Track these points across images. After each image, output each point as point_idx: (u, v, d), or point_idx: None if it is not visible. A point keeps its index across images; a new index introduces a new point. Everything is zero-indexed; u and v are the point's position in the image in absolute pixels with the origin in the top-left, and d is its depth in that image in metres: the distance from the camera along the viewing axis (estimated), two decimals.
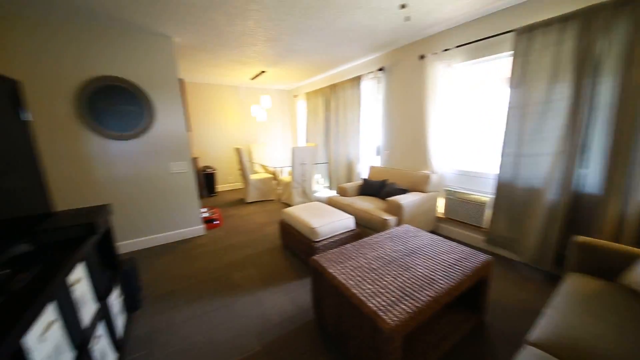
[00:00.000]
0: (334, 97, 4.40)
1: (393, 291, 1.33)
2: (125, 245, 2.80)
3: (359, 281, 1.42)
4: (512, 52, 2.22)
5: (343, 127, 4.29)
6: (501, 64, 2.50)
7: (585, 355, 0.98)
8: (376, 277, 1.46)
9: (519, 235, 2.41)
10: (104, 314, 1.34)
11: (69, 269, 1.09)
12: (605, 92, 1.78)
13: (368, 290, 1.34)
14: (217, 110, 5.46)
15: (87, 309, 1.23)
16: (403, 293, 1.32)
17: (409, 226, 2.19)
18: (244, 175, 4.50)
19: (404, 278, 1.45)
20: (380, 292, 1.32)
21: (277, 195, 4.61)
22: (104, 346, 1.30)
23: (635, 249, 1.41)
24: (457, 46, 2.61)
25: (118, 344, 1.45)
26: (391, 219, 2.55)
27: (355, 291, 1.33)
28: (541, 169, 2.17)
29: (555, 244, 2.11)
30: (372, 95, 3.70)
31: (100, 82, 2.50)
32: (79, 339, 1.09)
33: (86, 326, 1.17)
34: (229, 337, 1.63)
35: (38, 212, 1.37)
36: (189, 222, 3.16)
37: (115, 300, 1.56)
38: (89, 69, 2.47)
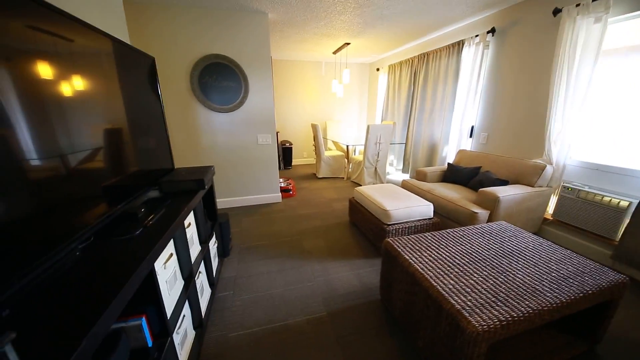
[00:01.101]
0: (424, 69, 3.92)
1: (482, 292, 1.16)
2: (220, 202, 3.31)
3: (439, 274, 1.28)
4: None
5: (431, 103, 3.83)
6: None
7: None
8: (460, 273, 1.29)
9: None
10: (204, 255, 1.62)
11: (185, 214, 1.32)
12: None
13: (450, 286, 1.19)
14: (297, 86, 5.66)
15: (194, 249, 1.50)
16: (495, 297, 1.13)
17: (506, 223, 1.85)
18: (317, 151, 4.62)
19: (497, 281, 1.24)
20: (466, 291, 1.16)
21: (347, 173, 4.60)
22: (202, 281, 1.58)
23: None
24: None
25: (211, 282, 1.75)
26: (482, 212, 2.20)
27: (434, 283, 1.21)
28: None
29: None
30: (475, 64, 3.11)
31: (207, 60, 2.85)
32: (188, 271, 1.34)
33: (193, 262, 1.43)
34: (299, 296, 1.76)
35: (164, 167, 1.71)
36: (269, 189, 3.50)
37: (212, 245, 1.86)
38: (200, 49, 2.84)
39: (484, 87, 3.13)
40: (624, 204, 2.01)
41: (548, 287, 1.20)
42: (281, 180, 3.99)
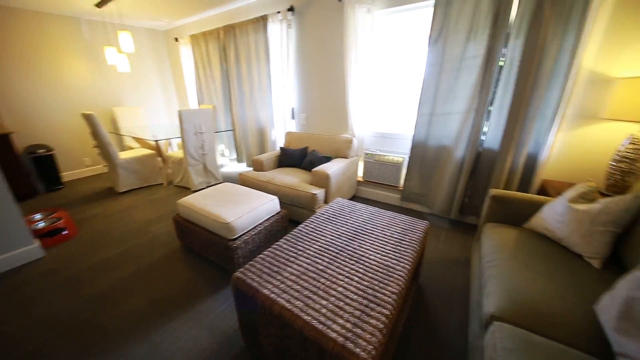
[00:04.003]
0: (232, 44, 3.45)
1: (354, 299, 1.02)
2: None
3: (308, 297, 1.03)
4: (434, 0, 2.04)
5: (249, 84, 3.50)
6: (423, 17, 2.33)
7: (545, 317, 0.97)
8: (328, 282, 1.11)
9: (429, 190, 2.58)
10: None
11: None
12: (513, 50, 1.86)
13: (323, 310, 0.97)
14: (42, 54, 3.45)
15: None
16: (366, 299, 1.03)
17: (342, 199, 1.93)
18: (105, 155, 3.13)
19: (360, 274, 1.16)
20: (340, 307, 0.99)
21: (166, 177, 3.52)
22: None
23: (538, 197, 1.59)
24: None
25: None
26: (319, 192, 2.25)
27: (306, 317, 0.94)
28: (452, 127, 2.26)
29: (461, 195, 2.33)
30: (283, 43, 3.03)
31: None
32: None
33: None
34: None
35: None
36: (2, 244, 1.88)
37: None
38: None
39: (295, 68, 3.17)
40: (400, 159, 2.71)
41: (395, 259, 1.27)
42: (38, 216, 2.36)
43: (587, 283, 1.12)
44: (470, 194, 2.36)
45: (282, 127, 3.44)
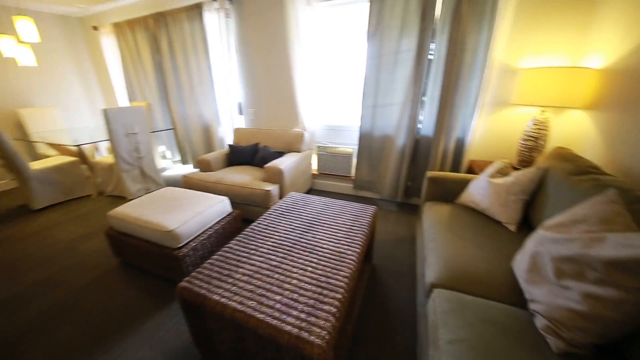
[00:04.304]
0: (165, 34, 3.13)
1: (308, 289, 1.03)
2: None
3: (262, 295, 1.01)
4: None
5: (188, 79, 3.23)
6: (362, 12, 2.40)
7: (475, 279, 1.11)
8: (282, 277, 1.10)
9: (377, 177, 2.73)
10: None
11: None
12: (439, 44, 2.03)
13: (278, 305, 0.96)
14: None
15: None
16: (319, 287, 1.05)
17: (295, 193, 1.93)
18: (11, 166, 2.60)
19: (313, 264, 1.18)
20: (294, 300, 0.99)
21: (95, 186, 3.08)
22: None
23: (465, 175, 1.79)
24: None
25: None
26: (273, 188, 2.20)
27: (260, 315, 0.92)
28: (392, 117, 2.41)
29: (404, 179, 2.52)
30: (222, 34, 2.84)
31: None
32: None
33: None
34: None
35: None
36: None
37: None
38: None
39: (238, 60, 3.02)
40: (350, 150, 2.81)
41: (346, 244, 1.32)
42: None
43: (506, 245, 1.31)
44: (412, 178, 2.56)
45: (229, 124, 3.27)
